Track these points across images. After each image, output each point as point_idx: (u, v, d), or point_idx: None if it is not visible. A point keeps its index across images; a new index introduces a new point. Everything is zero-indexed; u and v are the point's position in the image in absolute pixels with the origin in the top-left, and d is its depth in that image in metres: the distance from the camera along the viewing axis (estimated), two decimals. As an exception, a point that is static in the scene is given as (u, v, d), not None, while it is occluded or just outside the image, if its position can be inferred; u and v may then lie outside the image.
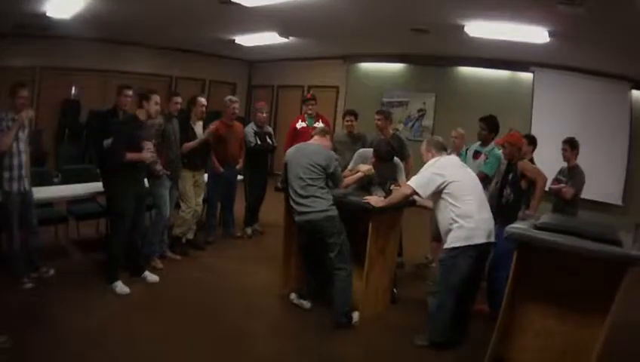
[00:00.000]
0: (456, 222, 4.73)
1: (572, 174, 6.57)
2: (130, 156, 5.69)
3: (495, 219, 5.66)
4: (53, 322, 4.90)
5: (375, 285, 5.53)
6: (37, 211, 6.09)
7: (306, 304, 5.71)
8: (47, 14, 9.31)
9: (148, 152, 5.86)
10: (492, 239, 4.85)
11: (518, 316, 4.55)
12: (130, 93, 6.75)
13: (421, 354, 4.92)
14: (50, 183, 7.30)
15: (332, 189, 5.41)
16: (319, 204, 5.16)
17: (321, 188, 5.23)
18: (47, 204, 6.93)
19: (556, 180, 6.72)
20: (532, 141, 6.72)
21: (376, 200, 5.11)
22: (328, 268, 5.31)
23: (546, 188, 6.08)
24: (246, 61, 16.32)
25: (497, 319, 4.54)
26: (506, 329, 4.54)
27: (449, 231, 4.79)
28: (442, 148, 5.17)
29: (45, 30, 10.62)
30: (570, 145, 6.65)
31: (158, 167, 6.37)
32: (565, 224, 4.33)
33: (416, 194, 4.85)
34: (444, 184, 4.74)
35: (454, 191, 4.75)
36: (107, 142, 6.08)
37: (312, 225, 5.23)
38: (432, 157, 5.08)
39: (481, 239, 4.71)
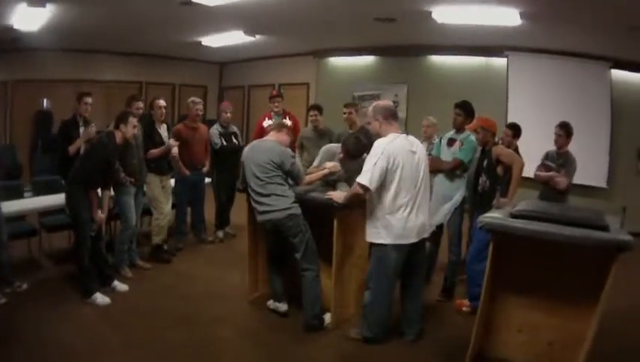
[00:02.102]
0: (388, 215, 4.50)
1: (563, 161, 6.24)
2: (92, 196, 5.61)
3: (472, 208, 5.41)
4: (25, 337, 4.77)
5: (346, 284, 5.25)
6: (9, 225, 5.96)
7: (282, 306, 5.42)
8: (15, 27, 9.21)
9: (99, 215, 5.73)
10: (425, 235, 4.75)
11: (499, 310, 4.33)
12: (90, 100, 6.70)
13: (398, 353, 4.73)
14: (22, 196, 7.16)
15: (293, 187, 5.14)
16: (280, 203, 4.89)
17: (281, 184, 4.96)
18: (19, 217, 6.81)
19: (544, 166, 6.40)
20: (516, 131, 6.45)
21: (338, 195, 4.78)
22: (297, 269, 5.07)
23: (530, 175, 5.82)
24: (216, 63, 16.15)
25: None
26: (488, 324, 4.33)
27: (377, 221, 4.56)
28: (391, 116, 4.75)
29: (14, 43, 10.48)
30: (566, 131, 6.30)
31: (122, 174, 6.14)
32: (545, 210, 4.04)
33: (367, 189, 4.47)
34: (388, 169, 4.41)
35: (394, 180, 4.45)
36: (72, 148, 6.20)
37: (274, 224, 4.97)
38: (380, 126, 4.68)
39: (411, 239, 4.55)
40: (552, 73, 10.18)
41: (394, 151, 4.43)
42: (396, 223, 4.46)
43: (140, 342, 4.79)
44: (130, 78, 13.98)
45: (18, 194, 7.05)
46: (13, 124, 12.06)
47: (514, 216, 3.97)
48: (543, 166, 6.33)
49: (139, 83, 14.25)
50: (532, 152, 6.53)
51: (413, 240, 4.54)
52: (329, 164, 5.50)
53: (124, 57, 13.71)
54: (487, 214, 4.14)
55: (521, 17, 7.84)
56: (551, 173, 6.16)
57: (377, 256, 4.60)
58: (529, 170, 6.00)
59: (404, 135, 4.69)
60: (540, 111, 9.63)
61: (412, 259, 4.71)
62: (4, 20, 8.76)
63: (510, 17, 7.92)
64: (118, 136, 5.74)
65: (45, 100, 12.33)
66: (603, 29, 8.05)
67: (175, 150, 7.05)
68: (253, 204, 5.12)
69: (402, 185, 4.45)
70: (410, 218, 4.49)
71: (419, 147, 4.71)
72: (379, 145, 4.50)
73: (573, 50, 9.75)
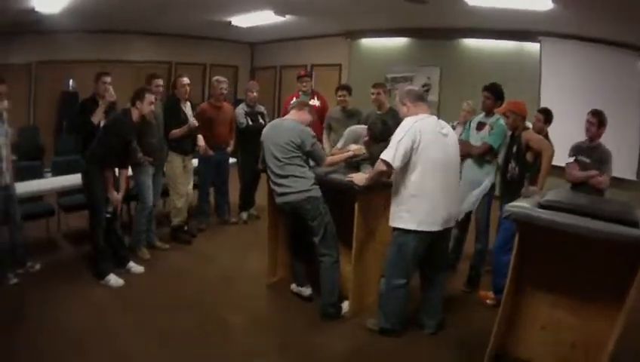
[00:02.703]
0: (413, 198, 4.25)
1: (598, 155, 5.50)
2: (108, 175, 5.53)
3: (502, 196, 5.21)
4: (32, 318, 4.73)
5: (366, 271, 5.05)
6: (27, 205, 6.12)
7: (305, 290, 5.29)
8: (36, 9, 9.11)
9: (115, 195, 5.67)
10: (451, 224, 4.49)
11: (522, 306, 4.11)
12: (109, 79, 6.44)
13: (416, 346, 4.54)
14: (42, 176, 7.15)
15: (314, 168, 4.95)
16: (300, 184, 4.69)
17: (300, 166, 4.76)
18: (38, 197, 6.79)
19: (578, 162, 5.61)
20: (548, 116, 6.08)
21: (360, 177, 4.58)
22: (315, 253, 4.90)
23: (560, 163, 5.51)
24: (247, 43, 15.96)
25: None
26: (510, 320, 4.12)
27: (402, 204, 4.31)
28: (419, 98, 4.51)
29: (37, 25, 10.39)
30: (599, 120, 5.49)
31: (139, 154, 6.05)
32: (575, 202, 3.77)
33: (390, 166, 4.23)
34: (414, 148, 4.16)
35: (421, 160, 4.19)
36: (95, 117, 6.03)
37: (292, 206, 4.78)
38: (408, 110, 4.46)
39: (436, 226, 4.28)
40: (583, 60, 9.83)
41: (421, 129, 4.20)
42: (421, 207, 4.22)
43: (152, 326, 4.71)
44: (159, 59, 13.84)
45: (38, 175, 7.04)
46: (37, 105, 11.99)
47: (541, 206, 3.74)
48: (578, 162, 5.60)
49: (168, 63, 14.13)
50: (563, 140, 6.13)
51: (437, 228, 4.29)
52: (353, 147, 5.32)
53: (151, 37, 13.53)
54: (514, 203, 3.91)
55: (552, 1, 7.57)
56: (590, 173, 5.46)
57: (397, 242, 4.37)
58: (559, 158, 5.65)
59: (434, 117, 4.46)
60: (572, 99, 9.32)
61: (435, 249, 4.48)
62: (24, 2, 8.66)
63: (541, 0, 7.65)
64: (135, 113, 5.61)
65: (71, 81, 12.27)
66: (633, 17, 7.70)
67: (201, 141, 7.09)
68: (272, 186, 4.94)
69: (430, 166, 4.20)
70: (437, 204, 4.25)
71: (450, 131, 4.49)
72: (406, 122, 4.29)
73: (604, 38, 9.39)
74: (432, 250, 4.45)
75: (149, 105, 5.69)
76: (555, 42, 10.13)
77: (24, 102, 11.79)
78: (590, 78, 9.70)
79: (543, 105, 8.42)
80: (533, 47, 10.46)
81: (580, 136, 6.02)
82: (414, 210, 4.23)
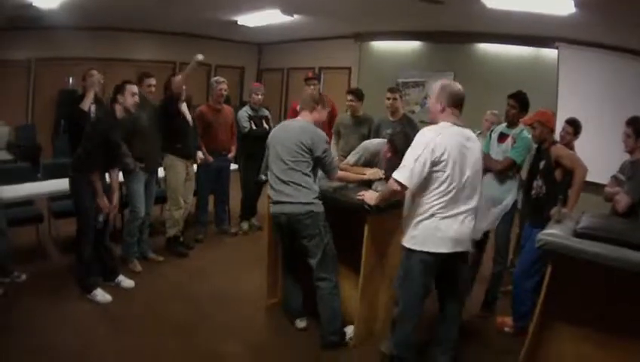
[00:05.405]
0: (417, 216, 3.69)
1: (632, 172, 4.51)
2: (95, 183, 5.06)
3: (524, 216, 4.93)
4: (11, 335, 4.38)
5: (374, 297, 4.58)
6: (15, 210, 6.00)
7: (300, 323, 4.81)
8: (34, 4, 8.85)
9: (105, 202, 5.20)
10: (463, 248, 3.78)
11: (546, 339, 3.75)
12: (95, 73, 6.43)
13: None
14: (35, 179, 6.74)
15: (322, 181, 4.49)
16: (301, 195, 4.20)
17: (306, 174, 4.25)
18: (28, 201, 6.53)
19: (615, 179, 4.79)
20: (577, 128, 5.74)
21: (371, 196, 4.07)
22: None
23: (592, 180, 5.00)
24: (255, 44, 15.67)
25: (521, 335, 4.06)
26: (533, 355, 3.77)
27: (412, 221, 3.75)
28: (458, 106, 3.84)
29: (36, 21, 10.18)
30: (636, 129, 4.48)
31: (129, 159, 5.68)
32: (613, 230, 3.39)
33: (405, 187, 3.67)
34: (434, 167, 3.59)
35: (433, 176, 3.62)
36: (84, 103, 6.12)
37: (288, 218, 4.28)
38: (442, 110, 3.79)
39: (440, 247, 3.64)
40: (604, 69, 9.38)
41: (442, 143, 3.60)
42: (426, 224, 3.65)
43: (136, 351, 4.31)
44: (162, 58, 13.55)
45: (31, 178, 6.68)
46: (36, 104, 11.80)
47: (577, 234, 3.30)
48: (615, 179, 4.79)
49: (172, 63, 13.76)
50: (582, 155, 5.57)
51: (442, 249, 3.65)
52: (370, 171, 4.84)
53: (155, 36, 13.29)
54: (547, 231, 3.46)
55: (575, 5, 7.13)
56: (614, 190, 4.63)
57: (403, 265, 3.82)
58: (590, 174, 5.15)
59: (458, 127, 3.80)
60: (591, 110, 8.79)
61: (448, 277, 3.94)
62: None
63: (563, 4, 7.22)
64: (118, 109, 5.21)
65: (71, 79, 12.02)
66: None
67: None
68: (269, 191, 4.46)
69: (447, 183, 3.63)
70: (445, 220, 3.65)
71: (475, 142, 3.87)
72: (424, 135, 3.68)
73: (628, 46, 8.97)
74: (445, 277, 3.92)
75: (132, 96, 5.24)
76: (574, 49, 9.70)
77: (22, 100, 11.59)
78: (611, 88, 9.25)
79: (560, 114, 8.00)
80: (550, 53, 10.06)
81: (600, 150, 5.61)
82: (416, 228, 3.70)
